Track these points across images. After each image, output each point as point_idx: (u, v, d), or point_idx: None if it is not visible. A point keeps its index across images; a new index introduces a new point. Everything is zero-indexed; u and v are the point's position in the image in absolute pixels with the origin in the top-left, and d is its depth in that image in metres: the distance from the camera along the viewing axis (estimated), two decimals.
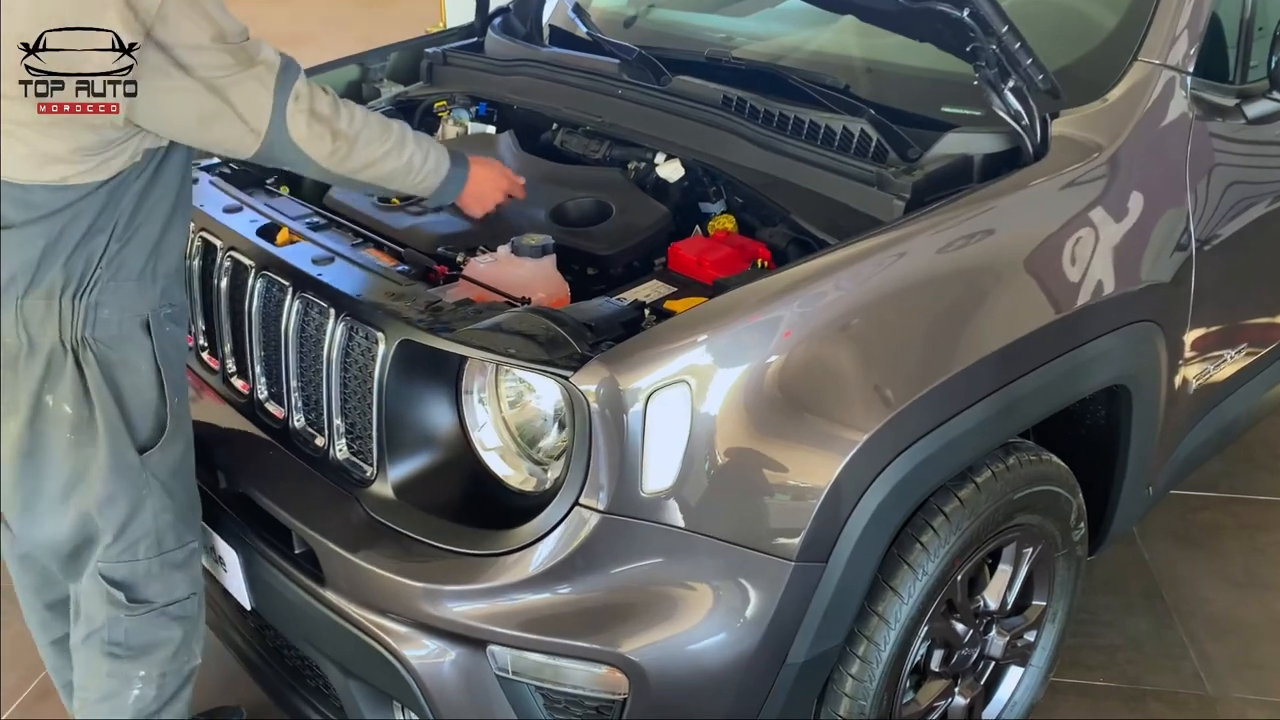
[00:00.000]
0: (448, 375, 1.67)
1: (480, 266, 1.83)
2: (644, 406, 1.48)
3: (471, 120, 2.62)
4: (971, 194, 1.80)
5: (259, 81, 1.57)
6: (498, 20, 2.92)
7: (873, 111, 1.98)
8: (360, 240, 1.99)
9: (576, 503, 1.51)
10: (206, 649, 1.93)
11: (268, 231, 1.96)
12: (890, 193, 1.84)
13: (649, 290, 1.82)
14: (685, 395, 1.50)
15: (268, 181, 2.30)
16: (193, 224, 2.02)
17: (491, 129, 2.57)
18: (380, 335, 1.64)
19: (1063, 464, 2.00)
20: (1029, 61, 1.81)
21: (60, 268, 1.58)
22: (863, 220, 1.85)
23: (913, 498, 1.70)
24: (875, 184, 1.86)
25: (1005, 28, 1.77)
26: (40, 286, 1.59)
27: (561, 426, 1.64)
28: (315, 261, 1.82)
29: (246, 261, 1.92)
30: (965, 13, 1.76)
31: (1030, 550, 2.04)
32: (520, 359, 1.50)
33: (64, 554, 1.76)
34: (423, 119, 2.64)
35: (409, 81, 2.84)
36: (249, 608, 1.91)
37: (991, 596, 2.05)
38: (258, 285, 1.88)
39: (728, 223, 2.06)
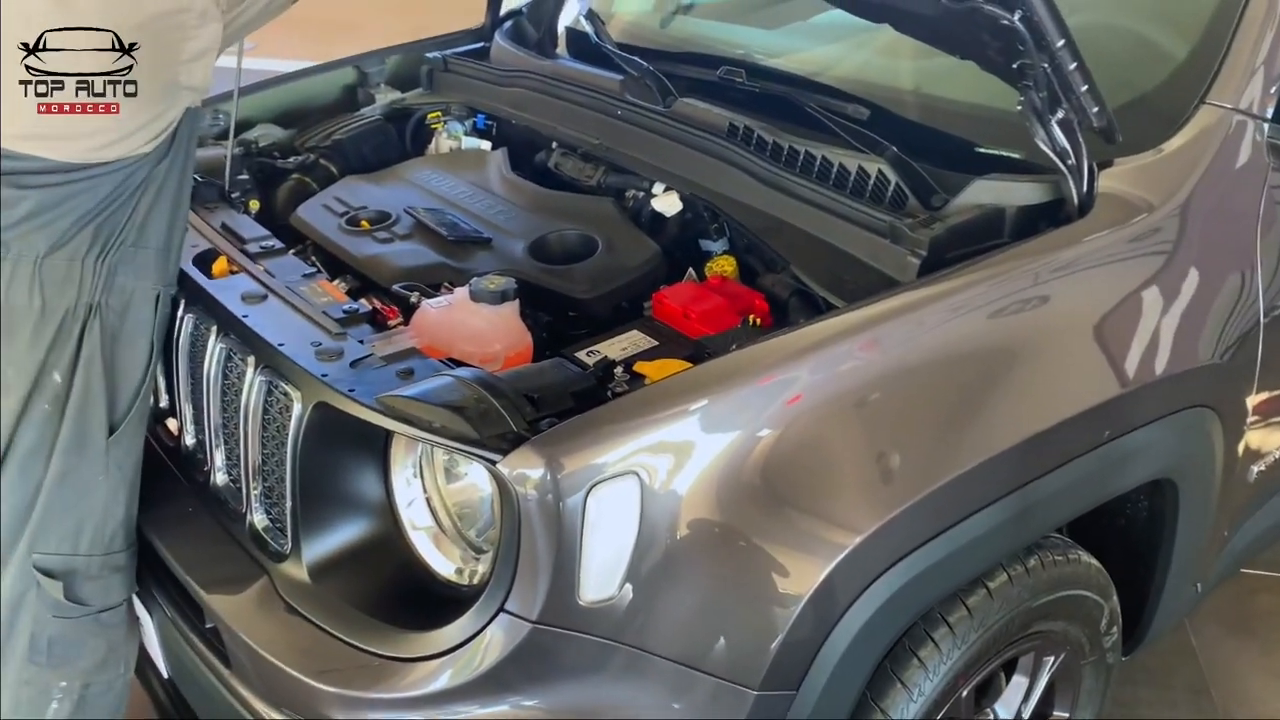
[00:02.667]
0: (375, 444, 1.46)
1: (431, 312, 1.61)
2: (584, 501, 1.25)
3: (467, 134, 2.42)
4: (1001, 255, 1.55)
5: None
6: (508, 24, 2.69)
7: (895, 149, 1.73)
8: (314, 270, 1.77)
9: (502, 608, 1.29)
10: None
11: (204, 259, 1.75)
12: (904, 247, 1.59)
13: (627, 343, 1.60)
14: (634, 488, 1.27)
15: (234, 195, 2.09)
16: None
17: (487, 144, 2.37)
18: (297, 393, 1.43)
19: (1095, 563, 1.73)
20: (1084, 88, 1.54)
21: (91, 229, 1.47)
22: (874, 277, 1.62)
23: (910, 611, 1.45)
24: (888, 236, 1.62)
25: (1061, 41, 1.50)
26: (65, 247, 1.47)
27: None
28: (245, 299, 1.60)
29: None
30: (1017, 16, 1.49)
31: (1052, 659, 1.77)
32: (444, 437, 1.28)
33: None
34: (416, 130, 2.44)
35: (408, 87, 2.62)
36: (165, 675, 1.71)
37: (1004, 708, 1.79)
38: (186, 321, 1.68)
39: (727, 265, 1.84)
